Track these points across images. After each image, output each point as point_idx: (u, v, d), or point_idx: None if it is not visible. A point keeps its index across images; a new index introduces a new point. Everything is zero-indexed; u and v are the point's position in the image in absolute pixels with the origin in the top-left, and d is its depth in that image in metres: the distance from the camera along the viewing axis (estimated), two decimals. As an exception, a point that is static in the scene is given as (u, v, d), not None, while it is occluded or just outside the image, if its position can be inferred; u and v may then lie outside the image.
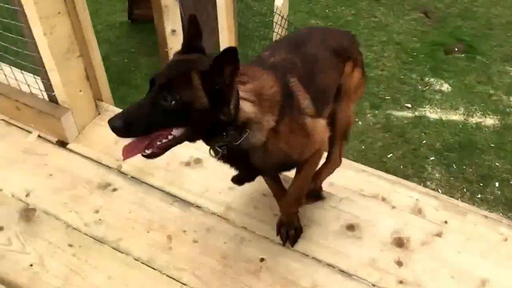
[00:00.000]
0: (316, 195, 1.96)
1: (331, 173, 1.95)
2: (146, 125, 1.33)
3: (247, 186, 1.74)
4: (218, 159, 1.49)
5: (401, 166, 3.71)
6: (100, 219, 1.89)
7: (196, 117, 1.35)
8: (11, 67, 2.24)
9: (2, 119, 2.30)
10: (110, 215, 1.91)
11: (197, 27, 1.42)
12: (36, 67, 2.11)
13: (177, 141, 1.38)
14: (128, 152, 1.36)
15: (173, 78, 1.34)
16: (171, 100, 1.31)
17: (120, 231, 1.85)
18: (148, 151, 1.36)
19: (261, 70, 1.53)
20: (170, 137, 1.36)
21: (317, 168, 1.82)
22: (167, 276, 1.72)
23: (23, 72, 2.23)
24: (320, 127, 1.66)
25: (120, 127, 1.31)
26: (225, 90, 1.35)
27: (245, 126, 1.44)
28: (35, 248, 1.80)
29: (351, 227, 1.84)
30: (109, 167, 2.08)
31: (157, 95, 1.32)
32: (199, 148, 1.53)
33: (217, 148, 1.44)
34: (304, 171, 1.72)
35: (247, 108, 1.42)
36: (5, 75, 2.24)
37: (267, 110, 1.47)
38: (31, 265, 1.76)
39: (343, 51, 1.81)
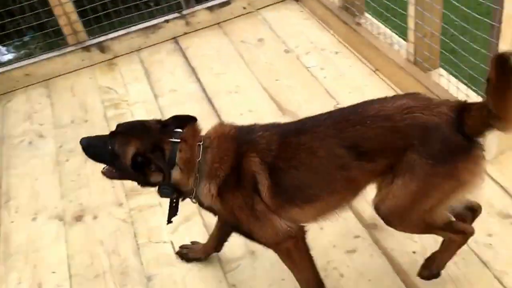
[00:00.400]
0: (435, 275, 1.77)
1: (453, 255, 1.72)
2: (95, 153, 1.67)
3: None
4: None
5: None
6: (490, 244, 1.83)
7: (125, 171, 1.61)
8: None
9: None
10: (502, 244, 1.83)
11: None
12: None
13: (119, 177, 1.73)
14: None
15: (122, 132, 1.63)
16: (110, 145, 1.60)
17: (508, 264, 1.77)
18: (103, 170, 1.67)
19: (226, 139, 1.60)
20: (114, 171, 1.66)
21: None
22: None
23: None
24: (271, 225, 1.58)
25: (82, 147, 1.66)
26: (151, 165, 1.57)
27: (178, 188, 1.61)
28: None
29: None
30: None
31: (109, 136, 1.63)
32: None
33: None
34: (286, 265, 1.70)
35: (175, 175, 1.57)
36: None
37: (205, 177, 1.58)
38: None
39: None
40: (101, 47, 3.25)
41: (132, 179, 1.65)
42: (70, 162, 2.58)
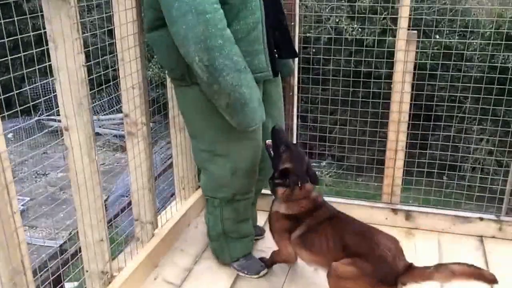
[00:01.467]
0: None
1: None
2: (274, 140, 2.60)
3: None
4: None
5: None
6: None
7: (273, 163, 2.62)
8: None
9: None
10: None
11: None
12: None
13: (269, 155, 2.67)
14: None
15: (291, 153, 2.55)
16: (281, 150, 2.57)
17: None
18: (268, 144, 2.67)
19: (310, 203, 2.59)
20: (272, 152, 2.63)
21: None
22: None
23: None
24: (284, 245, 2.66)
25: (277, 129, 2.61)
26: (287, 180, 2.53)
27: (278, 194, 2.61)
28: None
29: None
30: None
31: (285, 145, 2.57)
32: None
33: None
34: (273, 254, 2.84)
35: (282, 191, 2.56)
36: None
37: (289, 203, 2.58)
38: None
39: None
40: (408, 215, 3.33)
41: (273, 167, 2.57)
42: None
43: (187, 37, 2.20)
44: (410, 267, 2.26)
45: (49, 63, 2.11)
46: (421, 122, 3.53)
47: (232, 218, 2.79)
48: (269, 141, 2.58)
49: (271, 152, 2.56)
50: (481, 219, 3.24)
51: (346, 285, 2.31)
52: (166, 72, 2.80)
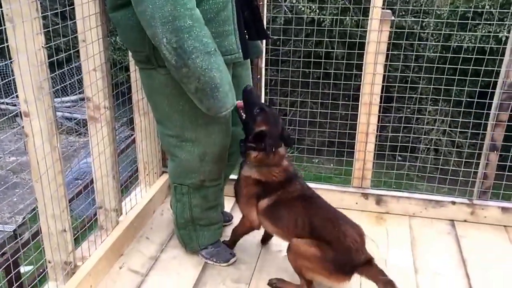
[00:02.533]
0: None
1: None
2: (246, 102, 2.50)
3: None
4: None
5: None
6: None
7: (246, 126, 2.52)
8: None
9: None
10: None
11: None
12: None
13: (240, 117, 2.52)
14: None
15: (265, 115, 2.48)
16: (255, 112, 2.47)
17: None
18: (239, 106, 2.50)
19: (284, 171, 2.55)
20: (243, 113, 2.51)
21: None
22: None
23: None
24: (250, 211, 2.62)
25: (248, 89, 2.51)
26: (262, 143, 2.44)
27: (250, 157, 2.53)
28: None
29: None
30: None
31: (259, 107, 2.50)
32: None
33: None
34: (238, 225, 2.81)
35: (256, 155, 2.50)
36: None
37: (258, 167, 2.54)
38: None
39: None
40: (378, 200, 3.30)
41: (244, 129, 2.50)
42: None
43: (154, 17, 2.07)
44: (369, 262, 2.35)
45: (7, 44, 1.97)
46: (394, 105, 3.48)
47: (200, 205, 2.70)
48: (240, 102, 2.46)
49: (242, 114, 2.47)
50: (454, 203, 3.25)
51: (303, 263, 2.37)
52: (130, 54, 2.66)
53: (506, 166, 3.35)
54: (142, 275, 2.70)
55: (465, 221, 3.23)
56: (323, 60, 3.89)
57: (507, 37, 2.89)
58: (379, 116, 3.15)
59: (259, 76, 3.30)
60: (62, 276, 2.38)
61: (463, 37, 5.65)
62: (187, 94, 2.30)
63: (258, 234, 2.92)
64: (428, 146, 5.34)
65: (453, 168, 3.78)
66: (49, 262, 2.36)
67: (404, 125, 4.25)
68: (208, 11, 2.22)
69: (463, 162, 3.68)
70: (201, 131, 2.47)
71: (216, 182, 2.69)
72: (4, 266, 3.84)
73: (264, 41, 3.11)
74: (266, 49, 3.37)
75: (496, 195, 3.30)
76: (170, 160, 2.70)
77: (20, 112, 2.05)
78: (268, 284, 2.60)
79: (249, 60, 2.74)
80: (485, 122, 3.18)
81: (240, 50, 2.37)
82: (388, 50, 2.94)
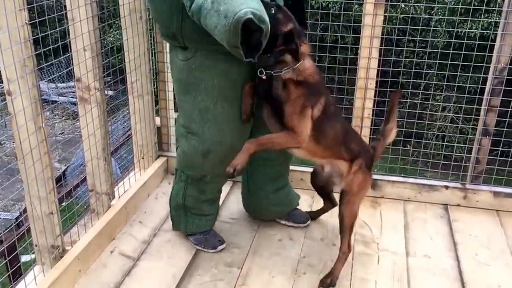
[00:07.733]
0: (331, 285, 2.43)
1: (343, 263, 2.46)
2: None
3: None
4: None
5: None
6: None
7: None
8: None
9: None
10: None
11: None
12: None
13: None
14: None
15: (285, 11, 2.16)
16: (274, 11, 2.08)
17: None
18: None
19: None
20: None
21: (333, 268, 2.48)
22: None
23: None
24: (304, 124, 2.20)
25: None
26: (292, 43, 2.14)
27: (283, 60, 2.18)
28: None
29: None
30: None
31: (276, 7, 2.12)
32: None
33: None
34: (276, 139, 2.24)
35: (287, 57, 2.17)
36: None
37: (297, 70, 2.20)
38: None
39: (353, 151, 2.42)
40: (373, 184, 3.27)
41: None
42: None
43: None
44: (374, 149, 2.57)
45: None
46: (388, 89, 3.46)
47: (195, 196, 2.63)
48: None
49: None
50: (447, 187, 3.24)
51: (363, 194, 2.55)
52: (159, 28, 2.60)
53: (499, 151, 3.34)
54: (133, 259, 2.68)
55: (458, 205, 3.23)
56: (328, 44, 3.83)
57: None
58: (375, 100, 3.12)
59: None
60: (49, 260, 2.34)
61: (470, 25, 5.62)
62: (200, 85, 2.28)
63: (253, 220, 2.93)
64: (434, 132, 5.29)
65: (446, 153, 3.76)
66: (35, 245, 2.32)
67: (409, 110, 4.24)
68: None
69: (455, 147, 3.67)
70: (209, 127, 2.39)
71: (219, 179, 2.62)
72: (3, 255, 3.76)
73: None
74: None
75: (489, 180, 3.29)
76: (177, 146, 2.65)
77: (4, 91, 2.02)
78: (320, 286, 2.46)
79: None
80: (477, 107, 3.17)
81: None
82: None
